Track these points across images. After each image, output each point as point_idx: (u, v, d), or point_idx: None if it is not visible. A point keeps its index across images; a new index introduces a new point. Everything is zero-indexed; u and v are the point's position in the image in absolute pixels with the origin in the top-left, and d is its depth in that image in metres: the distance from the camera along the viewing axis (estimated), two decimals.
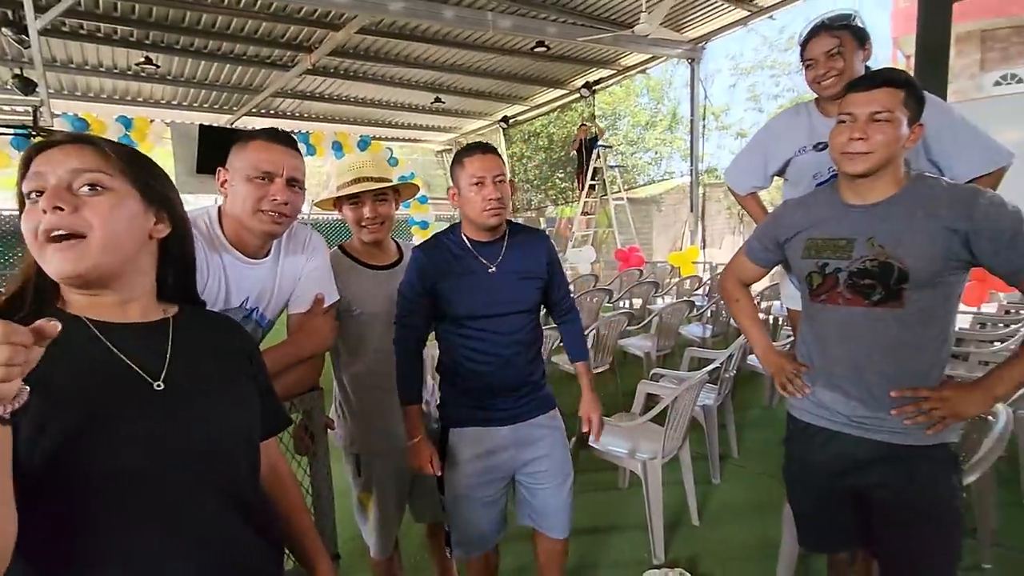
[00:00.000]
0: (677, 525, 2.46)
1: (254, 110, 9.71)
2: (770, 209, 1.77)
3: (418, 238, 10.41)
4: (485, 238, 1.49)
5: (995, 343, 3.38)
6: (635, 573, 2.09)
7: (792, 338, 2.08)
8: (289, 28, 6.92)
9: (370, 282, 1.58)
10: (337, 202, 1.61)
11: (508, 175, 1.48)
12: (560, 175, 15.06)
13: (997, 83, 9.24)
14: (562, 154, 14.65)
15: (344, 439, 1.66)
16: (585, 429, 1.62)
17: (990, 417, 1.73)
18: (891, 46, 9.88)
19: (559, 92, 10.36)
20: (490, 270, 1.48)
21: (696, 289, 6.50)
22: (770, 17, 7.30)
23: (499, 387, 1.51)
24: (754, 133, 2.02)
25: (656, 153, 16.64)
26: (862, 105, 1.16)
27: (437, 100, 9.84)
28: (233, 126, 9.44)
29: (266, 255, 1.29)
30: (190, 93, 9.17)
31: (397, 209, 1.65)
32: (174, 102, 9.49)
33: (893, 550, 1.25)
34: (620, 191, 10.33)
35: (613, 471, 2.79)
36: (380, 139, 11.80)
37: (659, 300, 6.14)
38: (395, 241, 1.72)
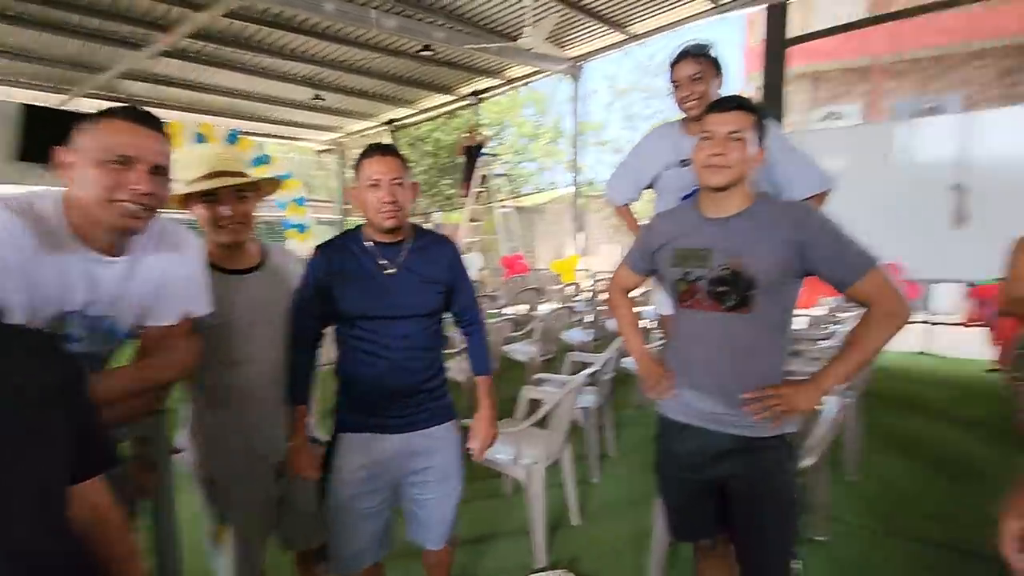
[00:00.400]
0: (559, 527, 2.50)
1: (94, 91, 8.49)
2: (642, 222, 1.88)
3: (294, 242, 9.76)
4: (386, 239, 1.46)
5: (823, 341, 3.91)
6: None
7: (663, 341, 2.21)
8: (140, 2, 6.16)
9: (226, 288, 1.41)
10: (186, 199, 1.42)
11: (408, 178, 1.45)
12: (447, 181, 15.03)
13: (824, 118, 10.82)
14: (449, 160, 14.63)
15: (195, 463, 1.47)
16: (470, 445, 1.58)
17: (821, 406, 1.97)
18: (744, 81, 11.14)
19: (446, 98, 10.32)
20: (388, 271, 1.44)
21: (577, 296, 6.78)
22: (642, 44, 7.88)
23: (391, 392, 1.46)
24: (629, 149, 2.14)
25: (540, 164, 17.23)
26: (720, 124, 1.27)
27: (317, 97, 9.33)
28: (67, 108, 8.17)
29: (123, 252, 1.11)
30: (10, 66, 7.80)
31: (256, 207, 1.50)
32: None
33: (744, 532, 1.38)
34: (506, 199, 10.51)
35: (498, 478, 2.79)
36: (252, 134, 10.93)
37: (542, 306, 6.32)
38: (259, 243, 1.56)
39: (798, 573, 1.37)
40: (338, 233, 1.53)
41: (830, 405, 1.96)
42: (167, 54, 7.29)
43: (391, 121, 11.37)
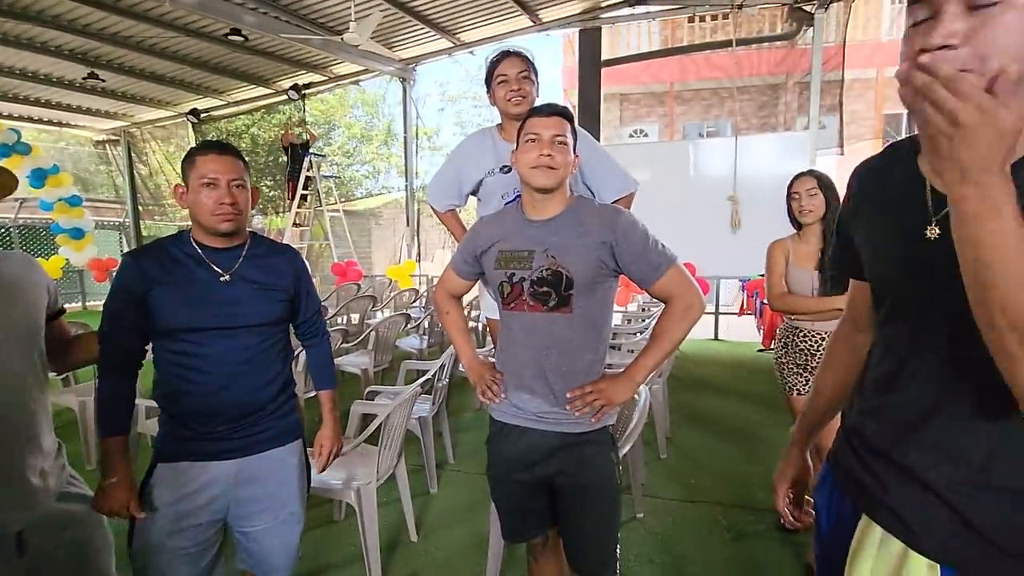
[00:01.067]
0: (396, 545, 2.38)
1: None
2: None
3: (67, 250, 8.10)
4: (220, 244, 1.37)
5: (637, 334, 4.35)
6: None
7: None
8: None
9: None
10: None
11: (249, 181, 1.38)
12: (268, 182, 13.71)
13: (631, 135, 12.19)
14: (270, 159, 13.38)
15: None
16: (315, 456, 1.57)
17: (636, 396, 2.15)
18: (563, 97, 12.01)
19: (263, 91, 9.39)
20: (223, 279, 1.34)
21: (413, 302, 6.65)
22: (471, 52, 8.04)
23: (225, 412, 1.34)
24: (449, 154, 2.12)
25: (373, 167, 16.66)
26: (545, 128, 1.31)
27: (92, 75, 7.80)
28: None
29: None
30: None
31: None
32: None
33: (572, 524, 1.42)
34: (336, 203, 9.94)
35: (328, 504, 2.57)
36: (2, 117, 8.83)
37: (378, 314, 6.08)
38: None
39: (618, 556, 1.46)
40: (160, 238, 1.41)
41: (643, 394, 2.15)
42: None
43: (195, 111, 10.02)
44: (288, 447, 1.45)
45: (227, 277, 1.35)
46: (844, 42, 6.09)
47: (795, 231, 2.23)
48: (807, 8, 5.96)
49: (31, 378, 1.21)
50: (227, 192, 1.30)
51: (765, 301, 4.84)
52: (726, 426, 3.78)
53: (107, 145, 11.80)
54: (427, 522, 2.57)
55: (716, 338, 6.89)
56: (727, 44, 7.11)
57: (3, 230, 10.06)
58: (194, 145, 1.38)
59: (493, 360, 1.50)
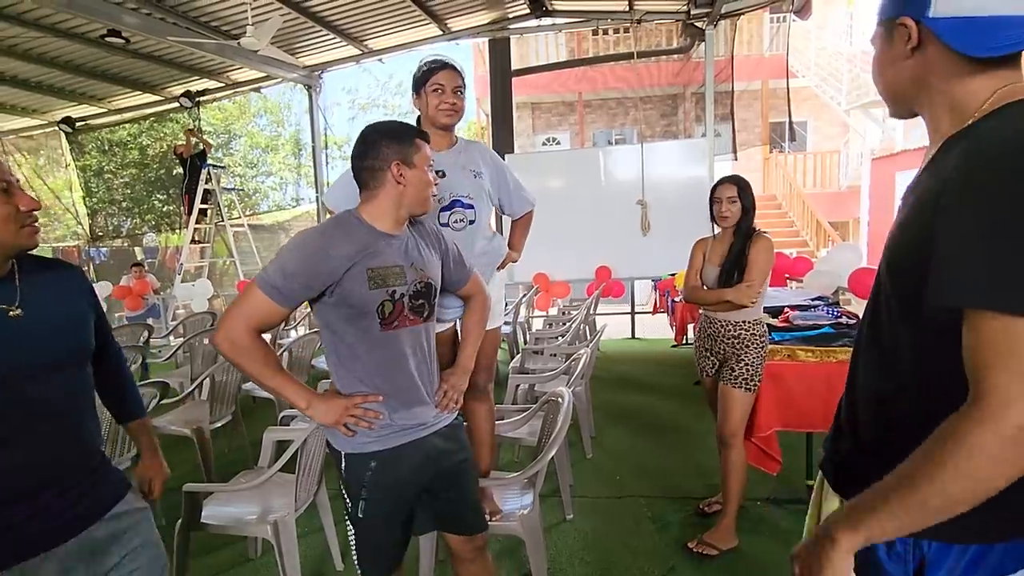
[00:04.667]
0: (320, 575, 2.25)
1: None
2: None
3: None
4: None
5: (559, 337, 4.43)
6: None
7: None
8: None
9: None
10: None
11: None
12: (160, 196, 12.65)
13: (545, 143, 12.48)
14: (161, 172, 12.34)
15: None
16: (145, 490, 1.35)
17: (559, 399, 2.17)
18: (475, 105, 12.06)
19: (151, 97, 8.63)
20: (12, 313, 1.04)
21: None
22: (379, 60, 7.88)
23: (65, 476, 1.08)
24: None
25: (281, 178, 15.85)
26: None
27: None
28: None
29: None
30: None
31: None
32: None
33: (458, 498, 1.51)
34: (240, 217, 9.34)
35: (241, 541, 2.38)
36: None
37: (291, 333, 5.76)
38: None
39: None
40: None
41: (565, 397, 2.17)
42: None
43: (69, 120, 9.04)
44: (129, 494, 1.21)
45: (18, 311, 1.05)
46: (732, 56, 6.59)
47: (716, 230, 2.38)
48: (699, 24, 6.39)
49: None
50: (25, 197, 1.05)
51: (677, 299, 5.10)
52: (646, 420, 3.93)
53: None
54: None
55: (633, 337, 7.17)
56: (629, 56, 7.47)
57: None
58: None
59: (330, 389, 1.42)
